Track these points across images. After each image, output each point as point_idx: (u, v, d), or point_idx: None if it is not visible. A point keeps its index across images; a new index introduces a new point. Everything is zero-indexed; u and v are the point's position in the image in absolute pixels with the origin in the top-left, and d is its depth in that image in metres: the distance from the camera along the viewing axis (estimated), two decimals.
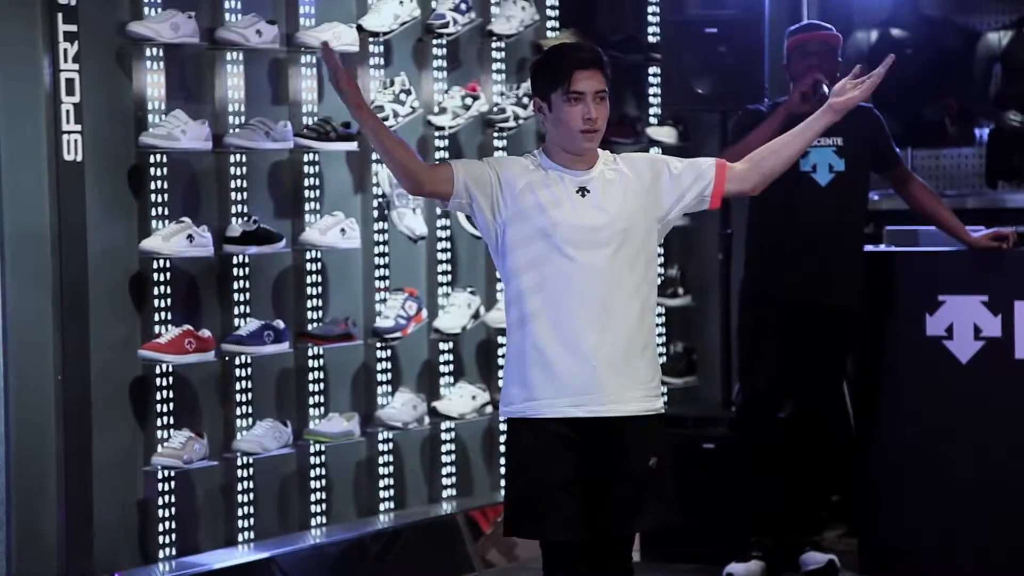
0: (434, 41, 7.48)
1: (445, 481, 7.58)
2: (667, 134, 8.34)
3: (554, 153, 4.76)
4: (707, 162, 4.92)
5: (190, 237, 6.44)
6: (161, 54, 6.49)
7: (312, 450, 7.00)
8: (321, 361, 7.07)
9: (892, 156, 6.97)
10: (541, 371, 4.72)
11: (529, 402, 4.74)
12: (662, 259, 8.45)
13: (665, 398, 8.18)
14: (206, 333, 6.53)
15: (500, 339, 7.72)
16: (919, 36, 8.89)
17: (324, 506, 7.09)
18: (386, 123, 7.12)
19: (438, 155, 7.51)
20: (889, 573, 6.89)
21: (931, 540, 6.87)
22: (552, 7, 8.04)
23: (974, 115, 8.90)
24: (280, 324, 6.79)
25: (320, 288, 7.08)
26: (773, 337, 6.87)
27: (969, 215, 7.52)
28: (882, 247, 7.25)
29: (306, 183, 7.02)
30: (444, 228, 7.56)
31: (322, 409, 7.06)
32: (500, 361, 7.74)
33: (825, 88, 6.59)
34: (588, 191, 4.74)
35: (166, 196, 6.51)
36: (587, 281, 4.71)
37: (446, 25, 7.40)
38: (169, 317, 6.50)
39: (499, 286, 7.72)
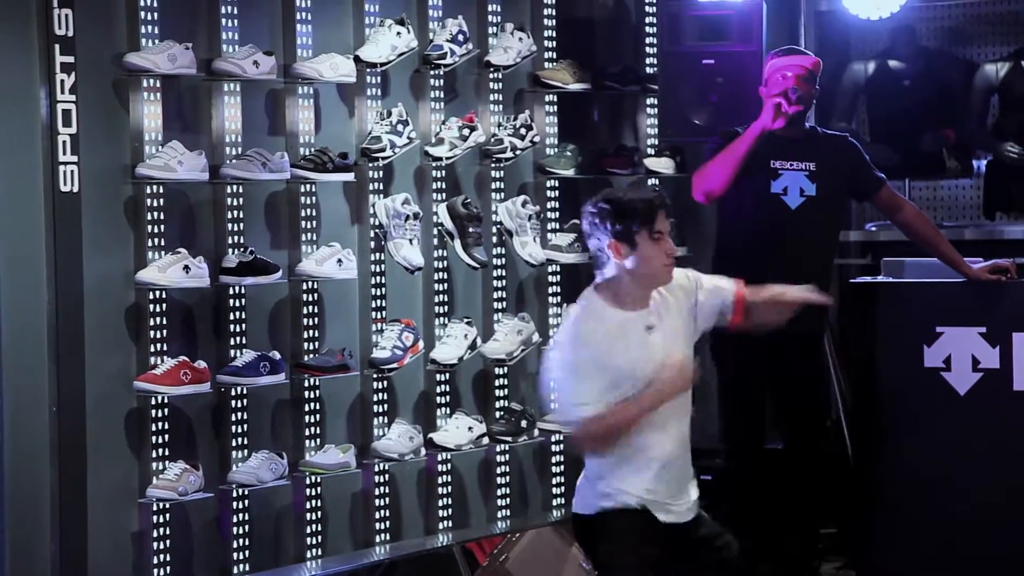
0: (431, 72, 7.48)
1: (441, 513, 7.55)
2: (664, 165, 8.33)
3: (620, 289, 5.17)
4: (728, 288, 5.40)
5: (186, 268, 6.45)
6: (158, 85, 6.50)
7: (308, 482, 6.97)
8: (317, 392, 7.06)
9: (872, 181, 6.94)
10: None
11: None
12: None
13: None
14: (202, 364, 6.53)
15: (497, 370, 7.72)
16: (917, 68, 8.92)
17: (319, 538, 7.06)
18: (383, 154, 7.17)
19: (435, 185, 7.50)
20: None
21: (930, 568, 6.88)
22: (550, 38, 8.02)
23: (972, 147, 8.94)
24: (276, 355, 6.79)
25: (316, 319, 7.07)
26: (745, 363, 6.81)
27: (967, 246, 7.53)
28: (880, 278, 7.25)
29: (303, 214, 7.01)
30: (441, 259, 7.54)
31: (318, 440, 7.05)
32: (497, 392, 7.75)
33: (795, 92, 6.62)
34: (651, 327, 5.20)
35: (162, 227, 6.52)
36: None
37: (444, 56, 7.40)
38: (165, 348, 6.50)
39: (496, 316, 7.72)
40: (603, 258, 5.19)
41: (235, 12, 6.75)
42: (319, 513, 7.05)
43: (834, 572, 7.03)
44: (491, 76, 7.75)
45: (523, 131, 7.71)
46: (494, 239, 7.73)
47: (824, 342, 6.85)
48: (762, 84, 6.94)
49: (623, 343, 5.14)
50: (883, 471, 6.95)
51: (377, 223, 7.23)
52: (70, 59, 6.19)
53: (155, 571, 6.44)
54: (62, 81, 6.17)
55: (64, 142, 6.19)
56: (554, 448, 8.05)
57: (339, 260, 6.97)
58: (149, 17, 6.47)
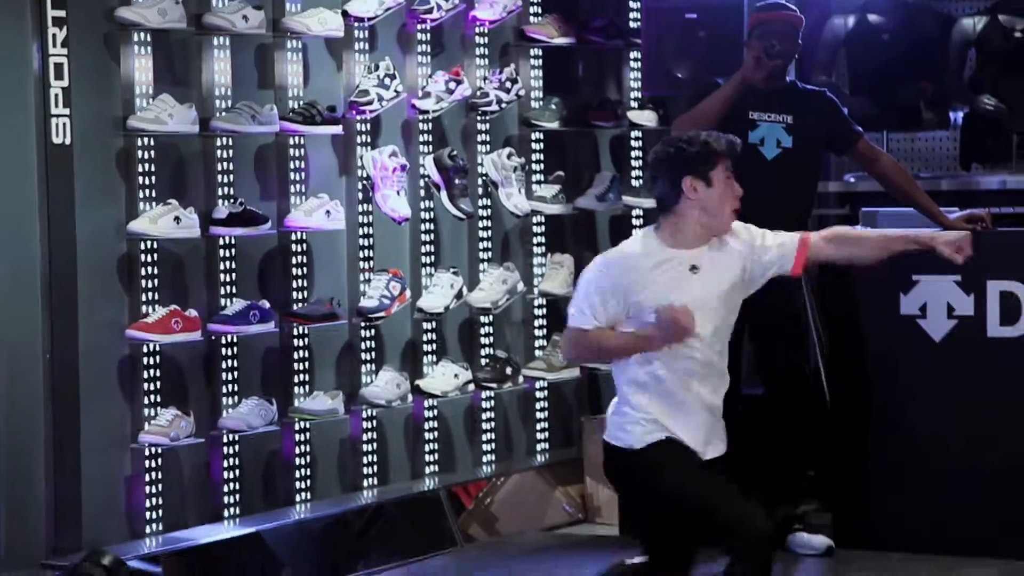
0: (418, 26, 7.48)
1: (428, 458, 7.60)
2: (647, 118, 8.35)
3: (686, 229, 5.21)
4: (791, 242, 5.41)
5: (177, 219, 6.46)
6: (149, 39, 6.50)
7: (297, 427, 7.01)
8: (306, 340, 7.09)
9: (849, 134, 6.94)
10: None
11: None
12: None
13: None
14: (193, 313, 6.55)
15: (482, 319, 7.76)
16: (895, 22, 8.89)
17: (308, 482, 7.09)
18: (371, 107, 7.18)
19: (422, 137, 7.52)
20: (864, 546, 6.88)
21: (906, 513, 6.87)
22: None
23: (949, 99, 8.91)
24: (266, 304, 6.81)
25: (305, 269, 7.09)
26: None
27: (944, 197, 7.55)
28: (858, 228, 7.26)
29: (291, 166, 7.02)
30: (428, 210, 7.58)
31: (307, 387, 7.07)
32: (483, 340, 7.78)
33: (776, 45, 6.63)
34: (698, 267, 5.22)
35: (153, 179, 6.52)
36: None
37: (430, 11, 7.41)
38: (156, 297, 6.51)
39: (482, 266, 7.75)
40: (671, 199, 5.20)
41: None
42: (308, 458, 7.08)
43: (810, 514, 7.04)
44: (477, 30, 7.76)
45: (508, 84, 7.72)
46: (480, 190, 7.76)
47: (803, 290, 6.86)
48: (746, 37, 6.94)
49: (658, 277, 5.16)
50: (860, 416, 6.95)
51: (365, 175, 7.25)
52: (61, 13, 6.18)
53: (147, 514, 6.47)
54: (54, 35, 6.16)
55: (56, 95, 6.18)
56: (538, 395, 8.09)
57: (327, 211, 6.98)
58: None
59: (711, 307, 5.21)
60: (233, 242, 6.78)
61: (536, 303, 8.06)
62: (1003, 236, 6.94)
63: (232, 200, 6.72)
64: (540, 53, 8.05)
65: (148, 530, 6.46)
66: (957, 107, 8.89)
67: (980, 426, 6.78)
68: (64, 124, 6.21)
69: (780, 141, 6.81)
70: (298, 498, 7.04)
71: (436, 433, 7.63)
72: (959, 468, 6.81)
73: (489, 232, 7.84)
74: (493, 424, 7.88)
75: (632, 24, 8.29)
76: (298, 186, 7.03)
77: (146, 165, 6.50)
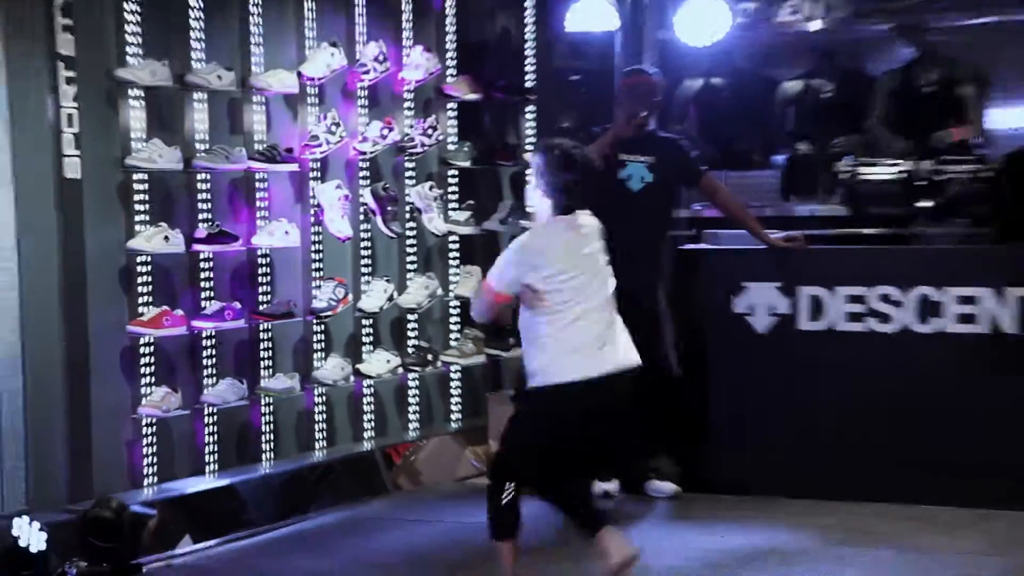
0: (358, 84, 7.47)
1: (366, 425, 7.60)
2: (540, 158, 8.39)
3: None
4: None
5: (166, 238, 6.45)
6: (142, 94, 6.47)
7: (263, 402, 7.02)
8: (270, 334, 7.08)
9: (695, 172, 6.97)
10: None
11: None
12: None
13: None
14: (180, 312, 6.55)
15: (409, 317, 7.75)
16: (733, 84, 9.01)
17: (272, 445, 7.11)
18: (320, 149, 7.17)
19: (362, 173, 7.52)
20: (705, 491, 6.93)
21: (739, 464, 6.95)
22: (451, 58, 8.02)
23: (773, 146, 9.05)
24: (237, 305, 6.80)
25: (268, 277, 7.07)
26: None
27: (768, 222, 7.58)
28: (702, 245, 7.39)
29: (257, 196, 7.00)
30: (366, 231, 7.52)
31: (270, 370, 7.07)
32: (409, 333, 7.85)
33: (644, 115, 6.72)
34: None
35: (147, 206, 6.50)
36: None
37: (368, 72, 7.39)
38: (150, 300, 6.50)
39: (409, 275, 7.78)
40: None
41: (202, 36, 6.72)
42: (272, 425, 7.10)
43: (662, 466, 7.07)
44: (405, 88, 7.75)
45: (430, 131, 7.71)
46: (407, 215, 7.73)
47: (659, 291, 6.92)
48: (616, 96, 7.02)
49: (560, 253, 5.26)
50: (704, 390, 7.04)
51: (316, 203, 7.22)
52: (72, 74, 6.17)
53: (144, 470, 6.48)
54: (66, 91, 6.16)
55: (68, 139, 6.17)
56: (452, 376, 8.09)
57: (286, 232, 6.96)
58: (134, 40, 6.44)
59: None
60: (211, 256, 6.75)
61: (451, 304, 8.06)
62: (813, 252, 7.04)
63: (210, 223, 6.70)
64: (455, 106, 8.03)
65: (145, 482, 6.48)
66: (779, 151, 9.02)
67: (794, 395, 6.89)
68: (75, 163, 6.20)
69: (644, 177, 6.86)
70: (264, 457, 7.06)
71: (373, 406, 7.63)
72: (776, 429, 6.92)
73: (415, 248, 7.83)
74: (418, 399, 7.89)
75: (528, 83, 8.31)
76: (263, 212, 7.00)
77: (141, 195, 6.48)
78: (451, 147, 8.00)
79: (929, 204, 7.13)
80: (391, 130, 7.54)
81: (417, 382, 7.88)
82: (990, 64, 8.53)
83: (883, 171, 7.35)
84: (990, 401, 6.58)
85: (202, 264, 6.77)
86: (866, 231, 7.95)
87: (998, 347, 6.58)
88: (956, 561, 5.72)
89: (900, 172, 7.27)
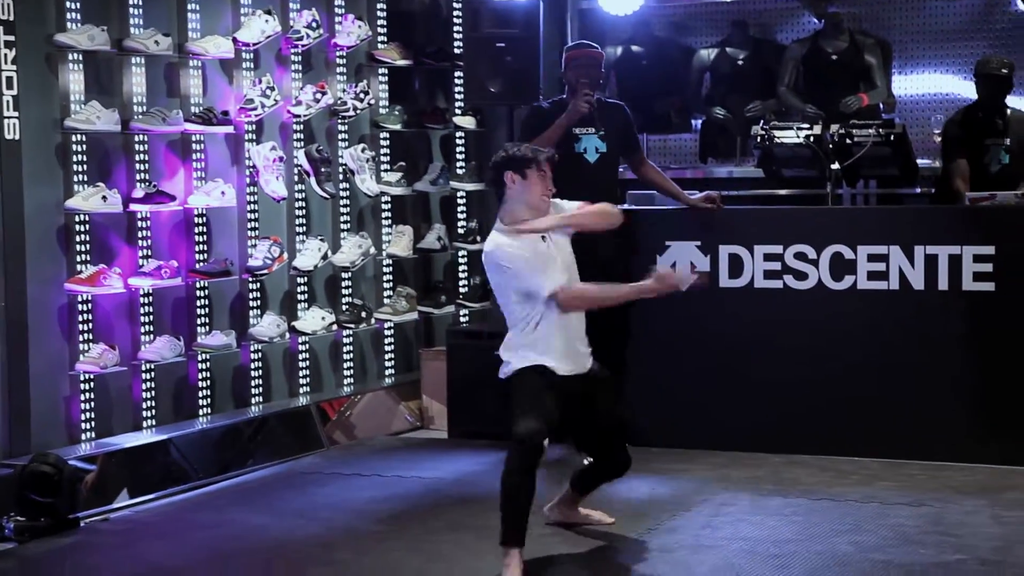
0: (292, 50, 7.34)
1: (302, 381, 7.49)
2: (468, 122, 8.31)
3: (517, 213, 5.12)
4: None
5: (104, 198, 6.30)
6: (80, 58, 6.32)
7: (200, 358, 6.87)
8: (206, 292, 6.94)
9: (635, 144, 6.94)
10: None
11: None
12: (464, 214, 8.43)
13: (467, 318, 8.21)
14: (117, 270, 6.40)
15: (343, 275, 7.65)
16: (651, 51, 8.97)
17: (209, 400, 6.96)
18: (255, 112, 7.02)
19: (296, 136, 7.37)
20: (637, 444, 6.74)
21: (664, 418, 6.84)
22: (382, 26, 7.93)
23: (691, 110, 9.00)
24: (174, 263, 6.65)
25: (205, 236, 6.93)
26: None
27: (687, 183, 7.60)
28: (626, 206, 7.27)
29: (194, 157, 6.85)
30: (300, 192, 7.43)
31: (207, 328, 6.93)
32: (344, 291, 7.69)
33: (592, 100, 6.59)
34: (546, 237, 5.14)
35: (85, 167, 6.34)
36: None
37: (301, 38, 7.27)
38: (88, 258, 6.35)
39: (343, 234, 7.64)
40: (501, 189, 5.15)
41: (140, 2, 6.58)
42: (208, 382, 6.95)
43: None
44: (337, 54, 7.64)
45: (362, 95, 7.63)
46: (340, 176, 7.64)
47: (614, 256, 6.80)
48: (561, 69, 6.85)
49: (524, 252, 5.08)
50: (633, 344, 6.87)
51: (251, 164, 7.10)
52: (11, 38, 5.98)
53: (82, 425, 6.32)
54: (5, 55, 5.97)
55: (8, 101, 5.99)
56: (386, 333, 8.00)
57: (222, 192, 6.84)
58: (73, 5, 6.28)
59: (567, 261, 5.19)
60: (148, 216, 6.60)
61: (385, 263, 7.96)
62: (731, 212, 6.97)
63: (148, 183, 6.55)
64: (386, 72, 7.95)
65: (83, 437, 6.31)
66: (696, 116, 8.98)
67: (716, 350, 6.83)
68: (14, 124, 6.02)
69: (598, 148, 6.73)
70: (201, 412, 6.91)
71: (308, 362, 7.52)
72: (699, 383, 6.84)
73: (348, 208, 7.73)
74: (352, 355, 7.79)
75: (456, 50, 8.24)
76: (199, 172, 6.87)
77: (79, 156, 6.32)
78: (382, 111, 7.91)
79: (839, 167, 7.06)
80: (324, 94, 7.45)
81: (351, 339, 7.77)
82: (892, 34, 8.56)
83: (795, 135, 7.26)
84: (900, 354, 6.56)
85: (140, 223, 6.61)
86: (781, 192, 7.97)
87: (907, 302, 6.52)
88: (872, 508, 5.67)
89: (811, 136, 7.19)
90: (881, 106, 8.17)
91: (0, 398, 6.02)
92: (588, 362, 5.22)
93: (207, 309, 6.94)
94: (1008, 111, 7.46)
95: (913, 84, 8.73)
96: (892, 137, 7.16)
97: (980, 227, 6.46)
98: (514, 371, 5.10)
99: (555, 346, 5.09)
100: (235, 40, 6.96)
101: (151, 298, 6.63)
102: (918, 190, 7.99)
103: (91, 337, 6.35)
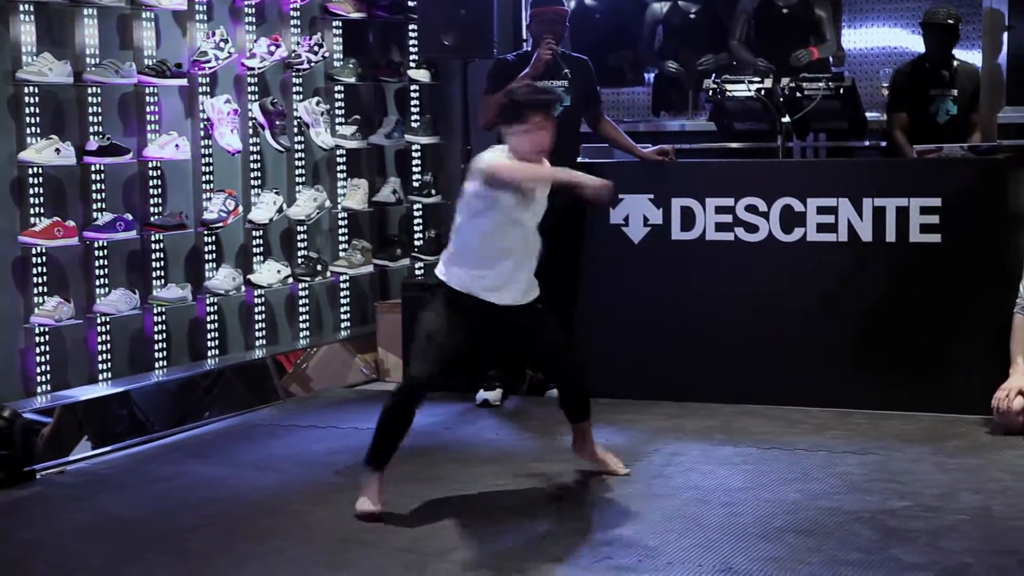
0: (246, 2, 7.24)
1: (258, 334, 7.44)
2: (423, 75, 8.25)
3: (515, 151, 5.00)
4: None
5: (57, 150, 6.21)
6: (32, 9, 6.21)
7: (155, 311, 6.81)
8: (161, 245, 6.87)
9: (596, 99, 6.94)
10: None
11: None
12: (419, 167, 8.38)
13: (422, 271, 8.19)
14: (71, 223, 6.32)
15: (299, 228, 7.59)
16: (605, 4, 8.93)
17: (165, 353, 6.91)
18: (209, 64, 6.94)
19: (250, 89, 7.29)
20: (591, 395, 6.88)
21: (618, 369, 6.86)
22: None
23: (643, 63, 8.97)
24: (129, 217, 6.59)
25: (160, 189, 6.85)
26: None
27: (641, 136, 7.59)
28: (581, 159, 7.26)
29: (148, 110, 6.77)
30: (255, 145, 7.36)
31: (163, 281, 6.87)
32: (299, 244, 7.64)
33: (555, 48, 6.60)
34: None
35: (38, 119, 6.25)
36: None
37: None
38: (42, 211, 6.26)
39: (298, 188, 7.59)
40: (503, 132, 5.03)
41: None
42: (164, 335, 6.89)
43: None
44: (292, 6, 7.55)
45: (316, 48, 7.55)
46: (295, 130, 7.57)
47: (574, 209, 6.80)
48: (526, 23, 6.84)
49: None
50: (586, 296, 6.93)
51: (205, 117, 7.03)
52: None
53: (38, 378, 6.26)
54: None
55: None
56: (342, 286, 7.96)
57: (176, 145, 6.77)
58: None
59: (538, 212, 5.14)
60: (102, 168, 6.52)
61: (340, 216, 7.90)
62: (683, 165, 6.99)
63: (101, 136, 6.47)
64: (340, 24, 7.86)
65: (39, 390, 6.25)
66: (649, 69, 8.95)
67: (669, 302, 6.84)
68: None
69: (563, 101, 6.69)
70: (157, 365, 6.86)
71: (264, 315, 7.48)
72: (653, 335, 6.87)
73: (303, 162, 7.66)
74: (307, 308, 7.75)
75: (410, 3, 8.15)
76: (153, 125, 6.78)
77: (32, 108, 6.22)
78: (337, 64, 7.84)
79: (789, 120, 7.07)
80: (278, 47, 7.37)
81: (307, 292, 7.74)
82: None
83: (746, 88, 7.26)
84: (849, 306, 6.60)
85: (94, 176, 6.53)
86: (733, 145, 7.96)
87: (856, 254, 6.56)
88: (820, 457, 5.72)
89: (761, 90, 7.19)
90: (831, 60, 8.18)
91: None
92: (529, 296, 5.11)
93: (162, 262, 6.88)
94: (956, 63, 7.49)
95: (862, 38, 8.74)
96: (841, 91, 7.18)
97: (927, 180, 6.50)
98: (442, 291, 5.05)
99: (496, 270, 5.00)
100: None
101: (106, 251, 6.56)
102: (867, 143, 8.02)
103: (46, 290, 6.28)
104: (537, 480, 5.42)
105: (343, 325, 7.98)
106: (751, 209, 6.70)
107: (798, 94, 7.16)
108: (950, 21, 7.35)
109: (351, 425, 6.44)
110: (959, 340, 6.42)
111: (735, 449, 5.85)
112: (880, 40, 8.69)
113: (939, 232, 6.42)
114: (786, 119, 7.08)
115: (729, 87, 7.33)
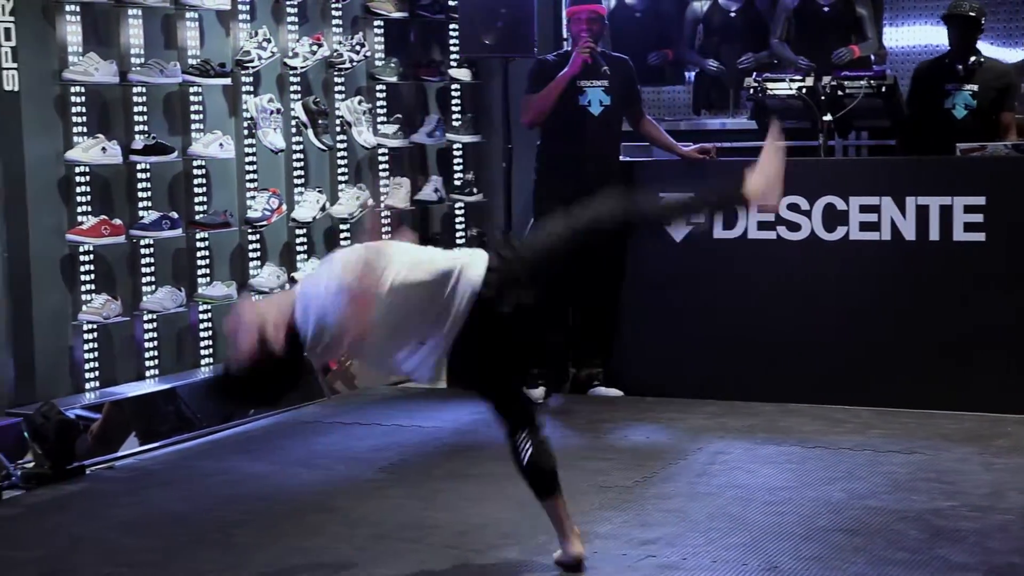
0: (288, 1, 7.26)
1: None
2: (464, 74, 8.24)
3: None
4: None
5: (104, 149, 6.24)
6: (78, 10, 6.25)
7: (201, 308, 6.84)
8: (207, 243, 6.90)
9: (637, 98, 6.96)
10: None
11: None
12: (460, 166, 8.38)
13: None
14: (118, 221, 6.35)
15: (341, 226, 7.60)
16: (645, 4, 8.90)
17: (211, 349, 6.94)
18: (252, 64, 6.96)
19: (292, 87, 7.31)
20: (631, 393, 6.89)
21: (660, 367, 6.87)
22: None
23: (684, 62, 8.94)
24: (175, 215, 6.61)
25: (205, 188, 6.88)
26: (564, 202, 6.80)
27: (681, 135, 7.55)
28: (623, 158, 7.25)
29: (192, 109, 6.79)
30: (298, 143, 7.37)
31: (208, 278, 6.89)
32: (342, 242, 7.65)
33: (595, 55, 6.64)
34: None
35: (84, 118, 6.29)
36: None
37: None
38: (89, 209, 6.30)
39: (340, 186, 7.60)
40: None
41: None
42: (210, 331, 6.92)
43: (601, 373, 7.02)
44: (333, 5, 7.56)
45: (358, 48, 7.56)
46: (338, 128, 7.58)
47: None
48: (565, 22, 6.88)
49: None
50: (629, 296, 6.90)
51: (249, 116, 7.05)
52: None
53: (86, 375, 6.30)
54: (3, 6, 5.91)
55: (6, 53, 5.93)
56: None
57: (220, 144, 6.78)
58: None
59: None
60: (148, 167, 6.55)
61: (383, 214, 7.90)
62: (724, 164, 6.92)
63: (147, 135, 6.50)
64: (382, 24, 7.87)
65: (88, 386, 6.29)
66: (690, 68, 8.92)
67: (708, 300, 6.82)
68: (13, 75, 5.96)
69: (602, 100, 6.79)
70: (203, 361, 6.89)
71: None
72: (694, 334, 6.83)
73: (345, 160, 7.66)
74: None
75: (451, 2, 8.14)
76: (197, 124, 6.81)
77: (78, 107, 6.26)
78: (378, 63, 7.84)
79: (831, 118, 7.03)
80: (320, 46, 7.37)
81: None
82: None
83: (787, 87, 7.22)
84: (892, 304, 6.56)
85: (139, 175, 6.56)
86: None
87: (899, 253, 6.51)
88: (865, 456, 5.68)
89: (803, 88, 7.15)
90: (872, 58, 8.12)
91: (5, 347, 6.00)
92: None
93: (208, 260, 6.90)
94: (981, 59, 7.35)
95: (904, 36, 8.68)
96: (883, 89, 7.13)
97: (971, 178, 6.45)
98: None
99: None
100: None
101: (152, 249, 6.59)
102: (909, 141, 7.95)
103: (93, 288, 6.31)
104: (580, 477, 5.41)
105: None
106: (793, 208, 6.66)
107: (840, 92, 7.11)
108: (972, 13, 7.25)
109: (395, 422, 6.46)
110: (1004, 339, 6.37)
111: (779, 448, 5.82)
112: (922, 38, 8.63)
113: (983, 230, 6.37)
114: (828, 117, 7.03)
115: (770, 85, 7.29)
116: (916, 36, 8.66)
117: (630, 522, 4.83)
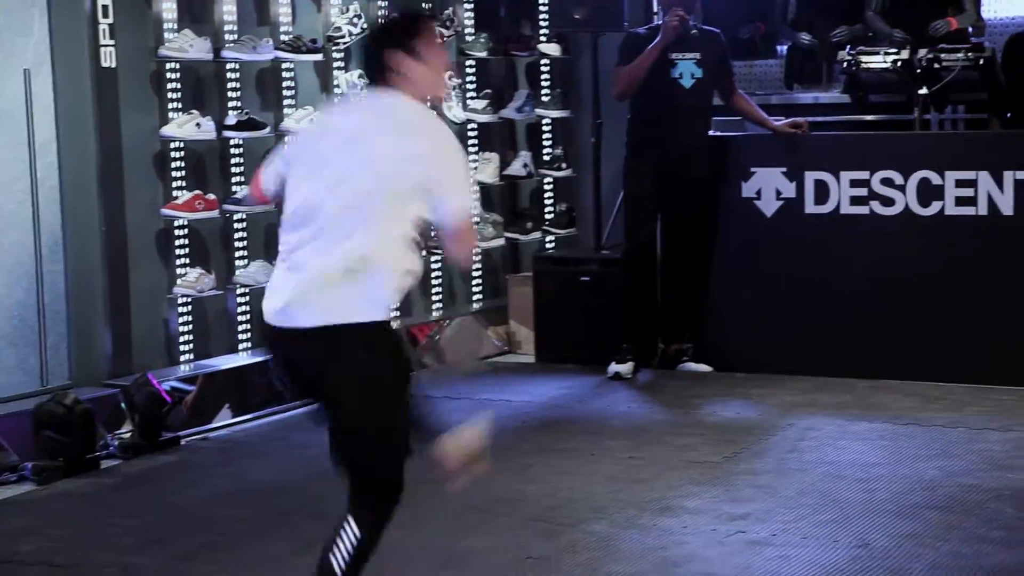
0: None
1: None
2: (553, 49, 8.22)
3: None
4: None
5: (198, 124, 6.32)
6: None
7: None
8: None
9: (729, 72, 6.92)
10: None
11: None
12: (550, 141, 8.36)
13: (553, 244, 8.18)
14: (212, 196, 6.42)
15: None
16: None
17: None
18: (344, 40, 7.00)
19: None
20: (725, 369, 6.83)
21: (749, 343, 6.82)
22: None
23: (776, 35, 8.84)
24: None
25: None
26: (649, 199, 6.79)
27: (773, 109, 7.46)
28: (713, 132, 7.20)
29: (284, 85, 6.85)
30: None
31: None
32: None
33: (689, 21, 6.63)
34: None
35: (179, 94, 6.37)
36: None
37: None
38: (184, 184, 6.38)
39: None
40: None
41: None
42: None
43: (692, 348, 6.99)
44: None
45: (448, 23, 7.55)
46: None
47: (704, 182, 6.81)
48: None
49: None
50: (717, 271, 6.89)
51: (340, 91, 7.08)
52: None
53: (180, 347, 6.39)
54: None
55: (104, 30, 6.03)
56: (474, 259, 7.96)
57: (311, 119, 6.81)
58: None
59: None
60: (241, 142, 6.62)
61: (472, 190, 7.95)
62: (817, 138, 6.88)
63: (240, 110, 6.56)
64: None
65: (183, 359, 6.38)
66: (782, 41, 8.81)
67: (800, 274, 6.76)
68: (110, 52, 6.06)
69: (694, 74, 6.75)
70: None
71: None
72: (784, 309, 6.79)
73: None
74: (440, 281, 7.77)
75: None
76: (289, 100, 6.86)
77: (173, 83, 6.34)
78: (468, 38, 7.83)
79: (927, 91, 6.91)
80: None
81: (439, 264, 7.75)
82: None
83: (882, 60, 7.11)
84: (988, 280, 6.45)
85: (232, 150, 6.63)
86: (868, 117, 7.79)
87: (996, 228, 6.40)
88: (959, 433, 5.60)
89: (898, 61, 7.04)
90: (970, 30, 7.95)
91: (104, 320, 6.11)
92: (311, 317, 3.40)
93: None
94: None
95: (1003, 7, 8.46)
96: (981, 61, 6.99)
97: None
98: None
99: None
100: None
101: (245, 224, 6.66)
102: (1008, 115, 7.79)
103: (188, 261, 6.40)
104: (669, 452, 5.40)
105: (475, 298, 8.00)
106: (887, 182, 6.58)
107: (936, 65, 6.99)
108: None
109: (484, 396, 6.48)
110: None
111: (870, 424, 5.76)
112: (1021, 9, 8.43)
113: None
114: (924, 90, 6.92)
115: (864, 58, 7.19)
116: (1016, 7, 8.44)
117: (719, 497, 4.81)
